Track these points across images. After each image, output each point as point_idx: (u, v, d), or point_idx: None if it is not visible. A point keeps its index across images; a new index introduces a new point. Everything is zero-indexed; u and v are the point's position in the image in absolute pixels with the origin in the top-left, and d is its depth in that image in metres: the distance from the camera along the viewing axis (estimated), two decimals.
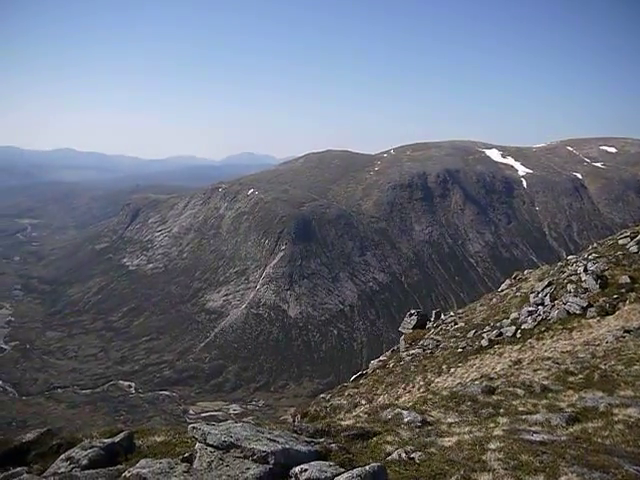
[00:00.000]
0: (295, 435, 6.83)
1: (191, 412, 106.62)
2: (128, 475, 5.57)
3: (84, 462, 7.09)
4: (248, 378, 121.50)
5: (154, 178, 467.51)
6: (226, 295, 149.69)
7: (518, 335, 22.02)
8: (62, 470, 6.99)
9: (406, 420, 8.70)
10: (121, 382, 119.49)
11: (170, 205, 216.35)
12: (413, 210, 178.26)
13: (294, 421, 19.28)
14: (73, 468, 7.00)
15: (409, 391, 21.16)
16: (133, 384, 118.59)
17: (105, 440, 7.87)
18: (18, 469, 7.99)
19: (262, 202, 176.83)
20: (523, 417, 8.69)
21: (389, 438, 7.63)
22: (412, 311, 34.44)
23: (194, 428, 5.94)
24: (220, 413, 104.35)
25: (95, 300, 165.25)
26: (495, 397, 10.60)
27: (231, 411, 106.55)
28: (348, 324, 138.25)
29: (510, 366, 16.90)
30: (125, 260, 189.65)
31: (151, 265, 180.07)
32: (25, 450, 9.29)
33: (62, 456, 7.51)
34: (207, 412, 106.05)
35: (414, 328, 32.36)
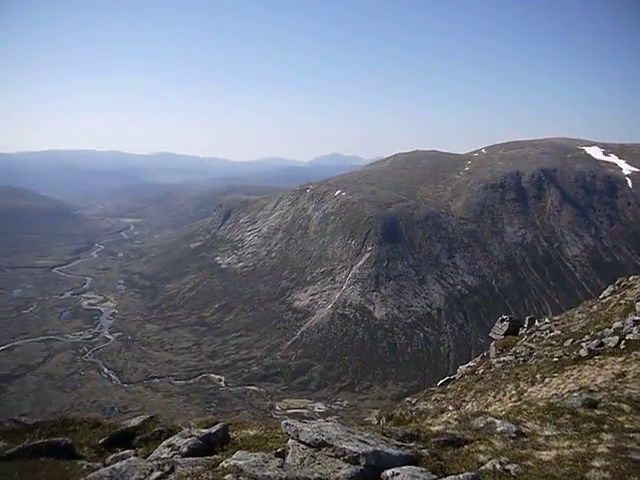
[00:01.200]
0: (385, 438, 6.83)
1: (277, 408, 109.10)
2: (226, 465, 5.84)
3: (184, 450, 7.53)
4: (333, 377, 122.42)
5: (245, 179, 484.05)
6: (312, 295, 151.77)
7: (622, 346, 20.50)
8: (164, 456, 7.46)
9: (499, 430, 8.40)
10: (212, 375, 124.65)
11: (260, 206, 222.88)
12: (505, 211, 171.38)
13: (379, 423, 19.19)
14: (174, 455, 7.45)
15: (500, 400, 20.39)
16: (223, 378, 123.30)
17: (202, 430, 8.30)
18: (126, 451, 8.65)
19: (349, 203, 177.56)
20: (631, 435, 8.10)
21: (482, 447, 7.41)
22: (504, 316, 33.13)
23: (287, 424, 6.12)
24: (305, 411, 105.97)
25: (189, 296, 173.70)
26: (597, 411, 9.95)
27: (316, 409, 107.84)
28: (435, 327, 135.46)
29: (613, 379, 15.80)
30: (217, 258, 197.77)
31: (241, 264, 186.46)
32: (131, 434, 10.00)
33: (164, 442, 8.01)
34: (292, 409, 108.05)
35: (505, 334, 31.11)
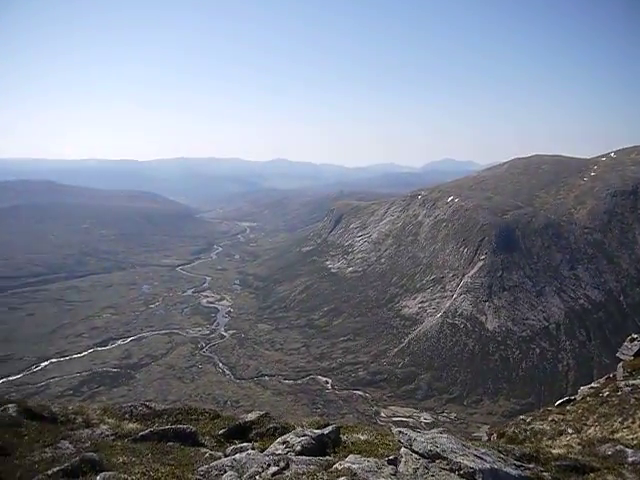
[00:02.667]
0: (502, 456, 6.58)
1: (382, 415, 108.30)
2: (340, 468, 5.97)
3: (298, 448, 7.80)
4: (440, 388, 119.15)
5: (356, 185, 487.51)
6: (421, 302, 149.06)
7: None
8: (279, 452, 7.78)
9: (631, 460, 7.73)
10: (319, 377, 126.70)
11: (370, 211, 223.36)
12: (637, 221, 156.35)
13: (489, 439, 18.43)
14: (288, 452, 7.74)
15: (628, 427, 18.72)
16: (330, 380, 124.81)
17: (315, 431, 8.53)
18: (244, 444, 9.13)
19: (462, 209, 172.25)
20: None
21: (610, 477, 6.87)
22: (634, 335, 30.29)
23: (400, 432, 6.11)
24: (410, 420, 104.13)
25: (300, 298, 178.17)
26: None
27: (422, 419, 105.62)
28: (552, 343, 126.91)
29: None
30: (328, 263, 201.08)
31: (351, 269, 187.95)
32: (247, 428, 10.54)
33: (279, 439, 8.35)
34: (398, 417, 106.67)
35: (635, 355, 28.45)
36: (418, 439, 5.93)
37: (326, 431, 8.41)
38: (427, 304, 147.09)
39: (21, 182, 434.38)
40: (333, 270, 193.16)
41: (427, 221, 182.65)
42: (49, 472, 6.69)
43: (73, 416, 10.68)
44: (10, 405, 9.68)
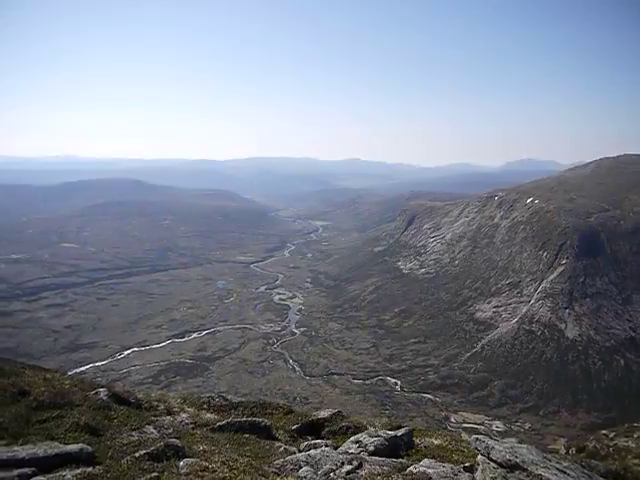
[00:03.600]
0: (587, 472, 6.28)
1: (452, 420, 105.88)
2: (414, 471, 5.94)
3: (371, 448, 7.82)
4: (514, 397, 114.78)
5: (431, 185, 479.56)
6: (496, 307, 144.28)
7: None
8: (352, 451, 7.83)
9: None
10: (388, 378, 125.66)
11: (445, 212, 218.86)
12: None
13: (567, 453, 17.63)
14: (361, 451, 7.78)
15: None
16: (399, 382, 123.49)
17: (388, 432, 8.52)
18: (318, 441, 9.28)
19: (542, 212, 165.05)
20: None
21: None
22: None
23: (477, 439, 5.98)
24: (482, 427, 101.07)
25: (370, 298, 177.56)
26: None
27: (494, 427, 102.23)
28: (639, 354, 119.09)
29: None
30: (399, 263, 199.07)
31: (423, 270, 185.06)
32: (320, 425, 10.69)
33: (352, 438, 8.41)
34: (468, 423, 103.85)
35: None
36: (496, 447, 5.77)
37: (399, 433, 8.36)
38: (502, 309, 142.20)
39: (110, 181, 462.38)
40: (405, 271, 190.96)
41: (504, 223, 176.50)
42: (136, 454, 7.11)
43: (156, 403, 11.28)
44: (101, 390, 10.37)
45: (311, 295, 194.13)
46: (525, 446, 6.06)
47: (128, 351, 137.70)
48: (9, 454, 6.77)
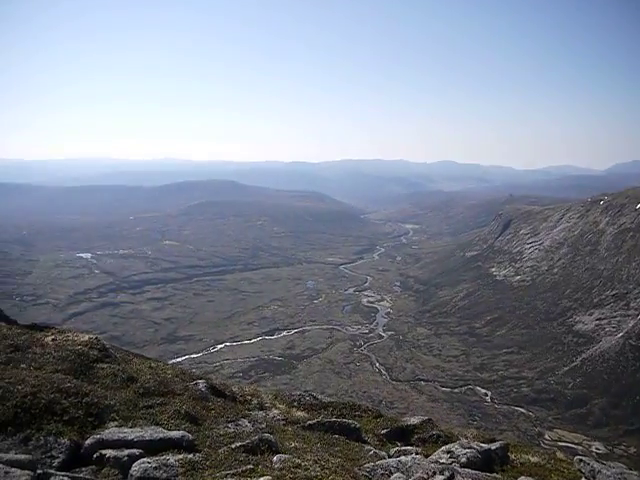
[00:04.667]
0: None
1: (547, 437, 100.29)
2: None
3: (463, 460, 7.63)
4: (618, 417, 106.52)
5: (528, 188, 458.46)
6: (599, 319, 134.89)
7: None
8: (443, 461, 7.69)
9: None
10: (478, 388, 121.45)
11: (543, 217, 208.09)
12: None
13: None
14: (453, 462, 7.61)
15: None
16: (489, 393, 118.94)
17: (482, 445, 8.26)
18: (408, 447, 9.19)
19: None
20: None
21: None
22: None
23: (581, 461, 5.67)
24: (580, 447, 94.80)
25: (461, 305, 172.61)
26: None
27: (593, 449, 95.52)
28: None
29: None
30: (493, 270, 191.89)
31: (518, 277, 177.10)
32: (409, 431, 10.58)
33: (443, 448, 8.25)
34: (565, 442, 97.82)
35: None
36: (603, 472, 5.40)
37: (493, 447, 8.08)
38: (606, 322, 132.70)
39: (209, 182, 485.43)
40: (498, 278, 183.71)
41: (610, 230, 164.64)
42: (232, 446, 7.43)
43: (249, 397, 11.71)
44: (200, 381, 10.94)
45: (400, 299, 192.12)
46: (636, 473, 5.64)
47: (221, 345, 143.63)
48: (120, 435, 7.32)
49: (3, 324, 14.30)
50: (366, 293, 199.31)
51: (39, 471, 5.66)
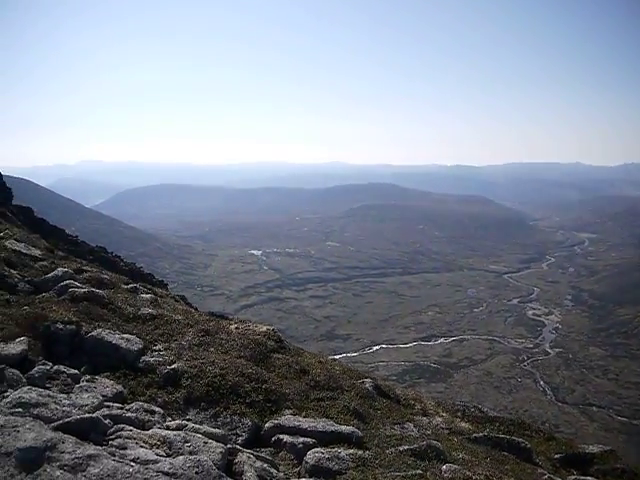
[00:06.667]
0: None
1: None
2: None
3: None
4: None
5: None
6: None
7: None
8: None
9: None
10: None
11: None
12: None
13: None
14: None
15: None
16: None
17: None
18: (588, 478, 8.46)
19: None
20: None
21: None
22: None
23: None
24: None
25: None
26: None
27: None
28: None
29: None
30: None
31: None
32: (587, 460, 9.72)
33: None
34: None
35: None
36: None
37: None
38: None
39: (369, 185, 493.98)
40: None
41: None
42: (400, 448, 7.51)
43: (412, 402, 11.69)
44: (367, 380, 11.22)
45: (570, 314, 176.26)
46: None
47: (377, 347, 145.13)
48: (295, 423, 7.83)
49: (193, 310, 16.11)
50: (532, 305, 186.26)
51: (229, 445, 6.27)
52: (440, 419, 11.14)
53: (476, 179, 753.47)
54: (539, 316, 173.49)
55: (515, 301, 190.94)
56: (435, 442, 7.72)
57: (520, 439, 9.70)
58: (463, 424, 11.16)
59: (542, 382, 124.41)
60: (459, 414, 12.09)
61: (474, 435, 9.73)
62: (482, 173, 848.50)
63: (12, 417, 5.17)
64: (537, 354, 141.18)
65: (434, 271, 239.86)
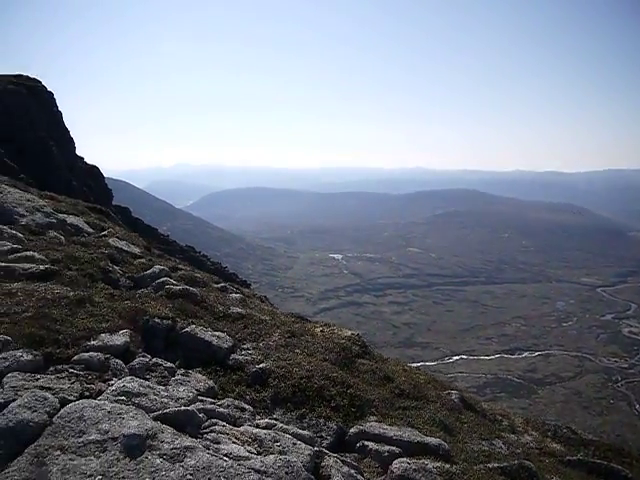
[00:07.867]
0: None
1: None
2: None
3: None
4: None
5: None
6: None
7: None
8: None
9: None
10: None
11: None
12: None
13: None
14: None
15: None
16: None
17: None
18: None
19: None
20: None
21: None
22: None
23: None
24: None
25: None
26: None
27: None
28: None
29: None
30: None
31: None
32: None
33: None
34: None
35: None
36: None
37: None
38: None
39: (449, 191, 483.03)
40: None
41: None
42: (489, 465, 7.23)
43: (499, 417, 11.24)
44: (453, 391, 10.91)
45: None
46: None
47: (456, 357, 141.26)
48: (380, 430, 7.76)
49: (279, 312, 16.42)
50: (629, 322, 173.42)
51: (315, 448, 6.32)
52: (530, 438, 10.62)
53: (567, 186, 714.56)
54: (636, 334, 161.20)
55: (609, 317, 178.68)
56: (528, 462, 7.35)
57: (619, 466, 9.05)
58: (554, 445, 10.58)
59: (638, 405, 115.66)
60: (549, 434, 11.47)
61: (567, 458, 9.19)
62: (574, 180, 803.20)
63: (117, 405, 5.52)
64: (633, 375, 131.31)
65: (520, 281, 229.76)
